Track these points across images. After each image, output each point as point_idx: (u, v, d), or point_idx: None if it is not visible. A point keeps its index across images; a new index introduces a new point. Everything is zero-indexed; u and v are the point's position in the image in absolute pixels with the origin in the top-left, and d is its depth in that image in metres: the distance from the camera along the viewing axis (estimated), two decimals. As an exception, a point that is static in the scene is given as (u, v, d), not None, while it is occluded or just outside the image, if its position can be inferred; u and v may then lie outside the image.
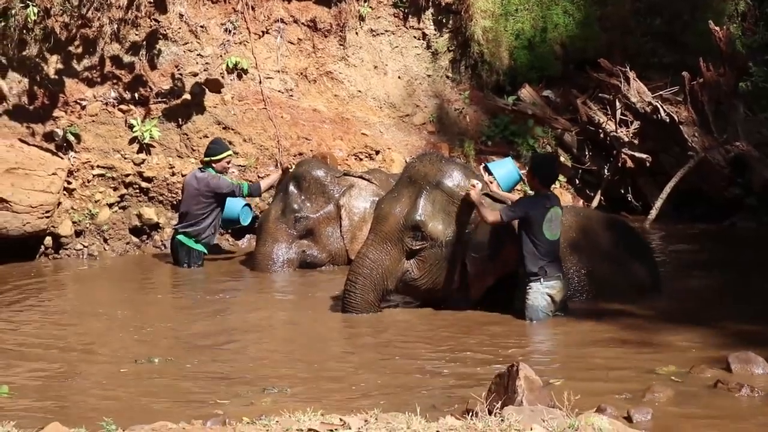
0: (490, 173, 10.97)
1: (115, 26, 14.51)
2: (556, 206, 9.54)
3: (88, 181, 14.19)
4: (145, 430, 5.28)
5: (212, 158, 13.04)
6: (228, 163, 13.29)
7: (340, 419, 5.14)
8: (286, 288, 12.08)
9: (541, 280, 9.42)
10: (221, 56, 15.13)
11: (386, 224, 9.85)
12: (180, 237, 13.07)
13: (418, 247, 9.78)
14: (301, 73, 15.91)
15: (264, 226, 12.77)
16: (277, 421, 5.22)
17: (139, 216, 14.35)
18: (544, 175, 9.72)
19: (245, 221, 13.61)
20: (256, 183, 13.35)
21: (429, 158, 10.22)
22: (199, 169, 13.20)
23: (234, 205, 13.42)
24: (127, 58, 14.66)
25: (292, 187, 12.70)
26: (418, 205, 9.74)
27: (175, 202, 14.31)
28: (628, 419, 6.13)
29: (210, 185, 12.90)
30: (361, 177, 13.03)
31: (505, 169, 11.27)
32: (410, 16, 16.85)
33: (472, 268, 9.72)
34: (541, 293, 9.43)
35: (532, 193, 10.53)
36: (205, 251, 13.10)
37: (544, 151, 16.49)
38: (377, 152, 15.54)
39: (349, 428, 4.98)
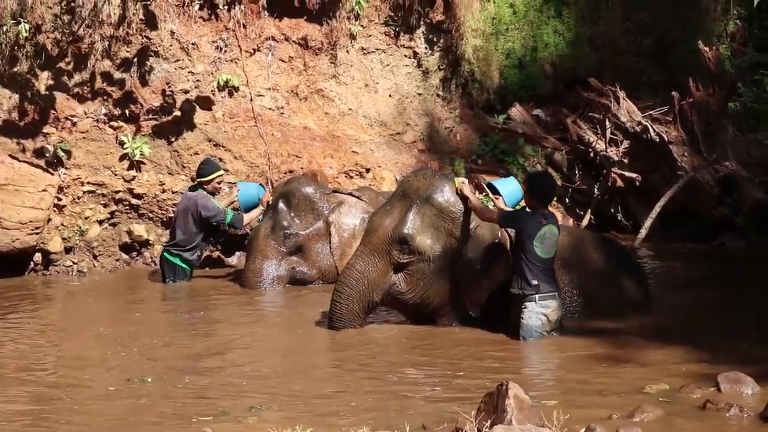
0: (496, 191, 10.97)
1: (106, 43, 14.51)
2: (552, 225, 9.51)
3: (78, 198, 14.18)
4: (135, 448, 5.28)
5: (202, 179, 13.04)
6: (219, 183, 13.28)
7: (330, 437, 5.14)
8: (276, 305, 12.08)
9: (536, 299, 9.41)
10: (212, 73, 15.14)
11: (375, 236, 9.88)
12: (165, 253, 13.10)
13: (405, 261, 9.79)
14: (292, 91, 15.93)
15: (253, 243, 12.76)
16: (265, 440, 5.22)
17: (129, 233, 14.34)
18: (542, 194, 9.71)
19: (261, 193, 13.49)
20: (239, 215, 13.29)
21: (423, 173, 10.26)
22: (190, 188, 13.22)
23: (251, 191, 13.40)
24: (118, 75, 14.66)
25: (281, 204, 12.71)
26: (407, 218, 9.77)
27: (165, 219, 14.32)
28: (618, 439, 6.13)
29: (197, 205, 12.91)
30: (350, 194, 13.05)
31: (510, 188, 11.30)
32: (401, 34, 16.89)
33: (464, 283, 9.73)
34: (536, 313, 9.41)
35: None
36: (189, 270, 13.07)
37: (534, 170, 16.52)
38: (368, 170, 15.55)
39: (339, 447, 4.98)
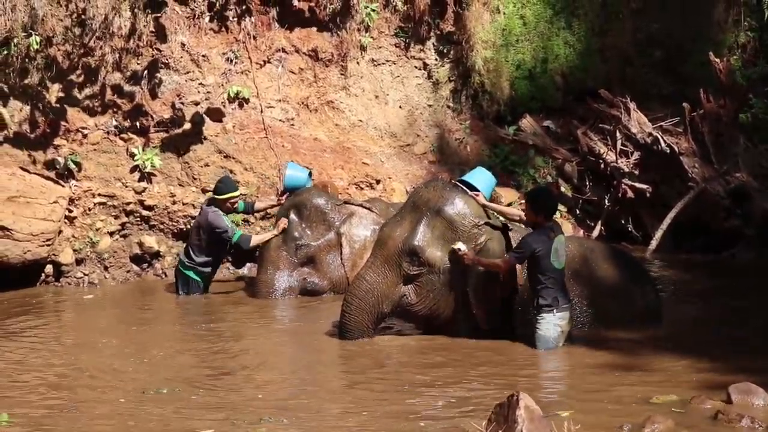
0: (474, 189, 10.82)
1: (117, 55, 14.54)
2: (559, 234, 9.57)
3: (89, 209, 14.20)
4: (144, 459, 5.28)
5: (215, 196, 13.00)
6: (232, 204, 13.19)
7: (340, 448, 5.14)
8: (287, 316, 12.09)
9: (554, 311, 9.43)
10: (223, 85, 15.17)
11: (385, 248, 9.90)
12: (180, 266, 13.11)
13: (415, 273, 9.81)
14: (303, 103, 15.95)
15: (265, 254, 12.77)
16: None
17: (140, 244, 14.35)
18: (547, 209, 9.69)
19: (308, 183, 13.49)
20: (248, 235, 13.27)
21: (434, 185, 10.28)
22: (207, 202, 13.20)
23: (300, 175, 13.42)
24: (128, 87, 14.69)
25: (293, 215, 12.72)
26: (417, 230, 9.79)
27: (176, 231, 14.35)
28: (629, 449, 6.12)
29: (207, 219, 12.88)
30: (361, 205, 13.06)
31: (483, 178, 11.20)
32: (411, 46, 16.90)
33: (474, 296, 9.71)
34: (554, 324, 9.45)
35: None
36: (203, 283, 13.04)
37: (543, 181, 16.53)
38: (378, 181, 15.55)
39: (349, 457, 4.98)
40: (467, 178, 10.87)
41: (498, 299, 9.77)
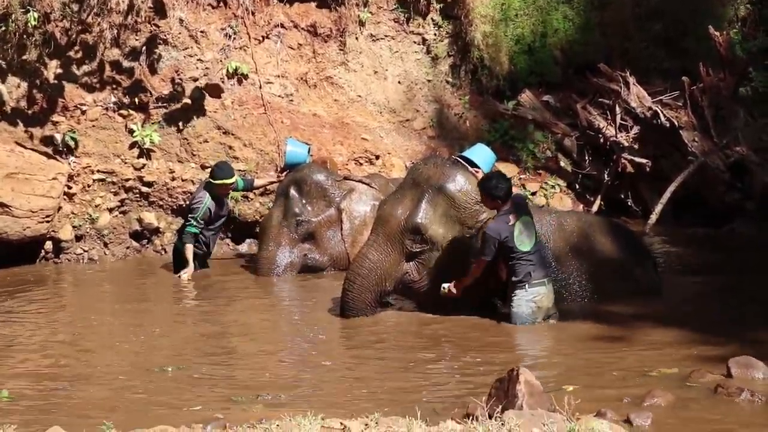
0: (474, 165, 10.75)
1: (115, 31, 14.52)
2: (522, 216, 9.48)
3: (89, 186, 14.20)
4: (146, 434, 5.28)
5: (210, 180, 12.90)
6: (225, 189, 13.01)
7: (341, 423, 5.14)
8: (288, 293, 12.10)
9: (526, 287, 9.42)
10: (221, 61, 15.14)
11: (387, 226, 9.86)
12: (177, 243, 13.10)
13: (418, 250, 9.79)
14: (301, 78, 15.92)
15: (266, 230, 12.76)
16: (277, 425, 5.22)
17: (140, 220, 14.36)
18: (500, 191, 9.50)
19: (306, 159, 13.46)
20: (250, 179, 13.41)
21: (434, 162, 10.23)
22: (202, 181, 13.21)
23: (300, 151, 13.40)
24: (126, 63, 14.67)
25: (293, 191, 12.70)
26: (419, 208, 9.75)
27: (175, 207, 14.35)
28: (628, 423, 6.13)
29: (193, 196, 12.93)
30: (361, 181, 13.05)
31: (483, 154, 11.14)
32: (410, 21, 16.85)
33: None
34: (526, 301, 9.44)
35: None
36: (198, 262, 13.01)
37: (542, 156, 16.52)
38: (377, 157, 15.54)
39: (350, 432, 4.98)
40: (467, 154, 10.84)
41: (497, 279, 9.75)
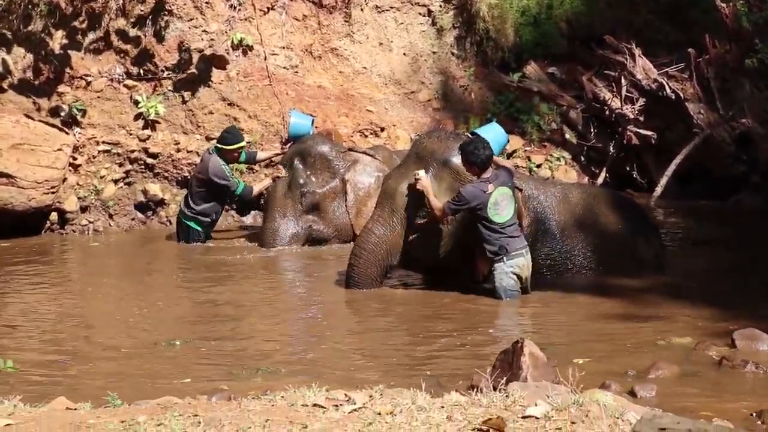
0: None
1: (121, 2, 14.51)
2: (500, 187, 9.40)
3: (94, 157, 14.19)
4: (151, 405, 5.29)
5: (223, 147, 12.96)
6: (238, 154, 13.20)
7: (345, 395, 5.15)
8: (292, 264, 12.10)
9: (504, 259, 9.39)
10: (226, 32, 15.11)
11: (392, 200, 9.82)
12: (180, 215, 13.11)
13: (421, 222, 9.76)
14: (306, 50, 15.89)
15: (271, 202, 12.73)
16: (282, 397, 5.23)
17: (144, 192, 14.35)
18: (478, 159, 9.43)
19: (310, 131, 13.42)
20: (249, 187, 13.27)
21: (437, 135, 10.19)
22: (208, 150, 13.18)
23: (304, 122, 13.38)
24: (132, 34, 14.66)
25: (297, 163, 12.69)
26: (424, 182, 9.72)
27: (180, 178, 14.33)
28: (633, 395, 6.15)
29: (209, 169, 12.85)
30: (365, 152, 13.04)
31: (493, 133, 11.12)
32: (415, -8, 16.83)
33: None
34: (506, 273, 9.42)
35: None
36: (203, 233, 13.03)
37: (547, 128, 16.51)
38: (382, 129, 15.52)
39: (354, 404, 4.99)
40: (479, 131, 10.86)
41: (476, 272, 9.76)
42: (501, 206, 9.36)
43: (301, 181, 12.60)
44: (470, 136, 10.51)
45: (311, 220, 12.70)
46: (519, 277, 9.48)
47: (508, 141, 11.72)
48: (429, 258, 9.87)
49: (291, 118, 13.39)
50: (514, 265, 9.41)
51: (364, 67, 16.31)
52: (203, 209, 12.94)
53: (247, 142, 14.11)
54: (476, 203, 9.30)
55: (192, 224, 12.95)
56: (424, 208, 9.68)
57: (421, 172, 9.63)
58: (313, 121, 13.64)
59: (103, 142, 14.25)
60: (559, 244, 10.22)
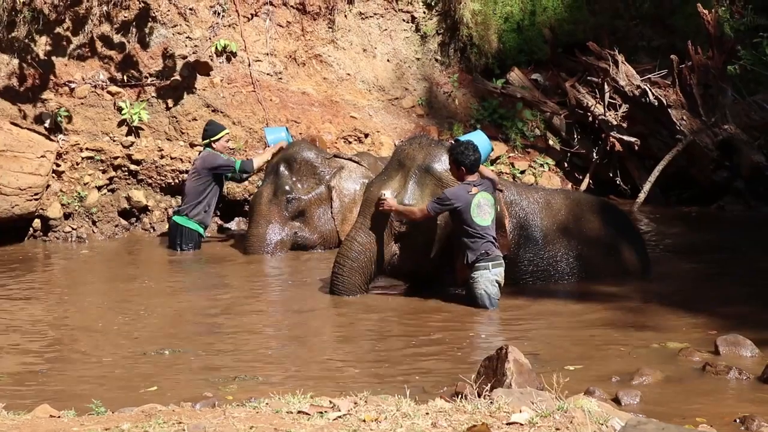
0: None
1: (104, 8, 14.49)
2: (482, 191, 9.40)
3: (77, 164, 14.16)
4: (135, 412, 5.29)
5: (212, 139, 13.09)
6: (227, 141, 13.44)
7: (330, 401, 5.15)
8: (278, 271, 12.08)
9: (490, 266, 9.35)
10: (210, 39, 15.10)
11: (375, 207, 9.82)
12: (174, 217, 13.09)
13: (405, 231, 9.75)
14: (290, 56, 15.89)
15: (257, 208, 12.74)
16: (267, 404, 5.23)
17: (128, 199, 14.32)
18: (467, 161, 9.47)
19: (289, 139, 13.50)
20: (249, 160, 13.36)
21: (419, 141, 10.17)
22: (199, 153, 13.31)
23: (281, 136, 13.43)
24: (116, 40, 14.64)
25: (282, 169, 12.70)
26: (407, 189, 9.72)
27: (164, 185, 14.30)
28: (617, 402, 6.16)
29: (206, 161, 12.96)
30: (350, 159, 13.05)
31: (479, 140, 11.17)
32: (399, -2, 16.86)
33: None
34: (491, 280, 9.38)
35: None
36: (200, 231, 13.03)
37: (531, 135, 16.55)
38: (366, 135, 15.54)
39: (339, 410, 4.99)
40: (463, 138, 10.86)
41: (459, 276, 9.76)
42: (483, 210, 9.36)
43: (287, 187, 12.61)
44: (453, 143, 10.52)
45: (297, 227, 12.72)
46: (499, 285, 9.45)
47: (492, 150, 11.69)
48: (412, 265, 9.87)
49: (267, 136, 13.45)
50: (498, 274, 9.41)
51: (348, 74, 16.32)
52: (195, 204, 12.92)
53: (231, 149, 14.12)
54: (459, 204, 9.29)
55: (184, 222, 12.90)
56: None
57: (387, 193, 9.68)
58: (287, 129, 13.67)
59: (87, 149, 14.21)
60: (542, 251, 10.24)
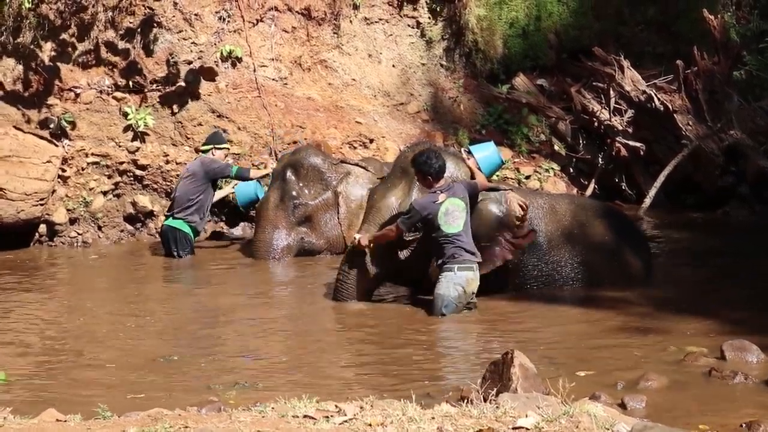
0: (471, 155, 10.78)
1: (110, 14, 14.53)
2: (450, 198, 9.32)
3: (83, 169, 14.18)
4: (141, 417, 5.29)
5: (216, 145, 13.17)
6: (226, 156, 13.56)
7: (336, 406, 5.16)
8: (283, 277, 12.09)
9: (455, 269, 9.28)
10: (215, 44, 15.13)
11: (379, 215, 9.79)
12: (167, 222, 13.06)
13: (410, 238, 9.72)
14: (295, 62, 15.90)
15: (263, 214, 12.73)
16: (272, 408, 5.24)
17: (134, 204, 14.34)
18: (431, 170, 9.45)
19: (261, 195, 13.51)
20: (245, 168, 13.41)
21: (420, 148, 10.14)
22: (194, 159, 13.36)
23: (248, 187, 13.47)
24: (121, 46, 14.68)
25: (289, 174, 12.69)
26: (411, 196, 9.69)
27: (169, 190, 14.31)
28: (623, 406, 6.15)
29: (204, 163, 13.01)
30: (357, 164, 13.05)
31: (486, 152, 11.13)
32: (404, 4, 16.82)
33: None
34: (453, 283, 9.28)
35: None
36: (192, 235, 13.02)
37: (536, 140, 16.55)
38: (371, 141, 15.54)
39: (345, 415, 5.00)
40: (473, 148, 10.87)
41: (490, 265, 9.72)
42: (452, 216, 9.28)
43: (294, 192, 12.60)
44: (463, 152, 10.52)
45: (303, 232, 12.72)
46: (465, 291, 9.34)
47: (503, 163, 11.66)
48: (415, 272, 9.83)
49: (237, 188, 13.50)
50: (462, 278, 9.30)
51: (353, 79, 16.32)
52: (189, 207, 12.91)
53: (236, 154, 14.14)
54: (426, 213, 9.25)
55: (178, 225, 12.87)
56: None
57: (357, 235, 9.71)
58: (258, 180, 13.75)
59: (92, 154, 14.24)
60: (546, 255, 10.22)
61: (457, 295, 9.29)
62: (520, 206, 9.65)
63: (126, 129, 14.53)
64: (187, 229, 12.95)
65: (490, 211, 9.68)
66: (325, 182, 12.78)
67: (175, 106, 14.75)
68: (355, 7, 16.41)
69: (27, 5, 13.90)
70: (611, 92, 16.26)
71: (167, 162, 14.42)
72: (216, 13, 15.25)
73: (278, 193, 12.70)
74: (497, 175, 13.91)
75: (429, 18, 17.00)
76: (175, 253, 12.92)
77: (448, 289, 9.28)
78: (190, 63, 14.89)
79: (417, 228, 9.44)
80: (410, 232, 9.47)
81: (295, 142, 14.74)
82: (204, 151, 13.29)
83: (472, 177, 9.90)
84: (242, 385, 7.06)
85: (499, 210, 9.69)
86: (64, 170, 14.01)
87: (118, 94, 14.63)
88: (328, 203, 12.73)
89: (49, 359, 8.12)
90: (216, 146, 13.22)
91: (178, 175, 14.17)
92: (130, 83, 14.68)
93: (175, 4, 14.90)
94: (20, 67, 14.28)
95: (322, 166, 12.84)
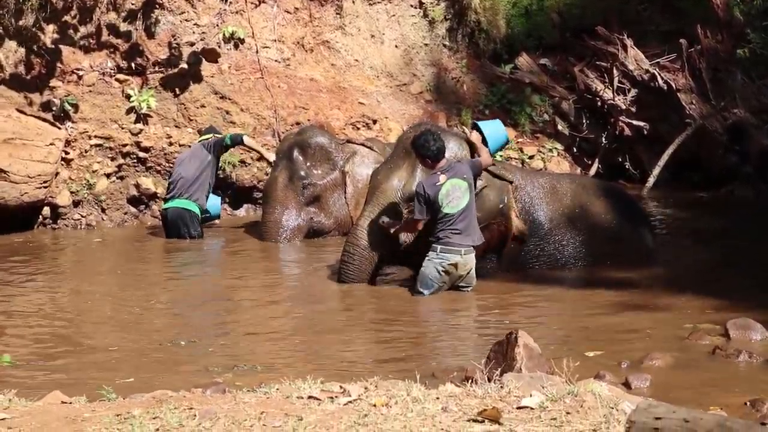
0: (479, 131, 10.74)
1: (111, -5, 14.53)
2: (452, 178, 9.31)
3: (86, 152, 14.17)
4: (146, 398, 5.29)
5: (216, 135, 13.20)
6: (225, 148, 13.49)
7: (340, 387, 5.16)
8: (291, 258, 12.09)
9: (438, 250, 9.28)
10: (218, 26, 15.09)
11: (383, 196, 9.76)
12: (172, 204, 12.99)
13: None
14: (298, 43, 15.87)
15: (273, 194, 12.66)
16: (277, 389, 5.23)
17: (137, 186, 14.33)
18: (428, 152, 9.43)
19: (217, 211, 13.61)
20: (238, 134, 13.43)
21: (422, 128, 10.12)
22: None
23: (214, 201, 13.47)
24: (123, 28, 14.65)
25: (296, 154, 12.64)
26: (415, 177, 9.65)
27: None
28: (627, 386, 6.16)
29: (205, 145, 13.08)
30: (363, 144, 13.03)
31: (492, 129, 11.11)
32: (407, -17, 16.82)
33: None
34: (434, 264, 9.29)
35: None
36: (199, 213, 13.02)
37: (540, 120, 16.54)
38: (374, 121, 15.53)
39: (349, 396, 4.99)
40: (481, 124, 10.83)
41: (490, 240, 9.73)
42: (452, 197, 9.27)
43: (302, 173, 12.56)
44: (471, 127, 10.50)
45: (312, 212, 12.69)
46: (448, 275, 9.36)
47: (509, 141, 11.61)
48: (419, 252, 9.81)
49: (210, 202, 13.46)
50: (445, 259, 9.29)
51: (356, 60, 16.30)
52: (193, 185, 12.89)
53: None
54: (430, 194, 9.23)
55: (183, 204, 12.86)
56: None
57: (384, 219, 9.69)
58: (222, 198, 13.92)
59: (95, 137, 14.23)
60: (548, 235, 10.21)
61: (437, 276, 9.31)
62: None
63: (129, 111, 14.51)
64: (194, 208, 12.92)
65: (490, 200, 9.70)
66: (333, 162, 12.75)
67: (177, 88, 14.73)
68: (358, -13, 16.40)
69: (29, -13, 13.91)
70: (614, 71, 16.24)
71: (170, 144, 14.41)
72: (218, -6, 15.23)
73: (286, 173, 12.63)
74: (500, 155, 13.90)
75: (432, -3, 16.98)
76: (186, 234, 12.87)
77: (428, 268, 9.32)
78: (192, 44, 14.86)
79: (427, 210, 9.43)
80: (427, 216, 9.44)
81: (298, 123, 14.71)
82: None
83: (476, 153, 9.87)
84: (241, 368, 7.06)
85: (500, 200, 9.70)
86: (67, 153, 14.00)
87: (121, 76, 14.61)
88: (336, 183, 12.71)
89: (54, 342, 8.13)
90: (215, 135, 13.26)
91: (180, 157, 14.21)
92: (133, 65, 14.66)
93: (177, -15, 14.89)
94: (22, 50, 14.26)
95: (329, 145, 12.82)
